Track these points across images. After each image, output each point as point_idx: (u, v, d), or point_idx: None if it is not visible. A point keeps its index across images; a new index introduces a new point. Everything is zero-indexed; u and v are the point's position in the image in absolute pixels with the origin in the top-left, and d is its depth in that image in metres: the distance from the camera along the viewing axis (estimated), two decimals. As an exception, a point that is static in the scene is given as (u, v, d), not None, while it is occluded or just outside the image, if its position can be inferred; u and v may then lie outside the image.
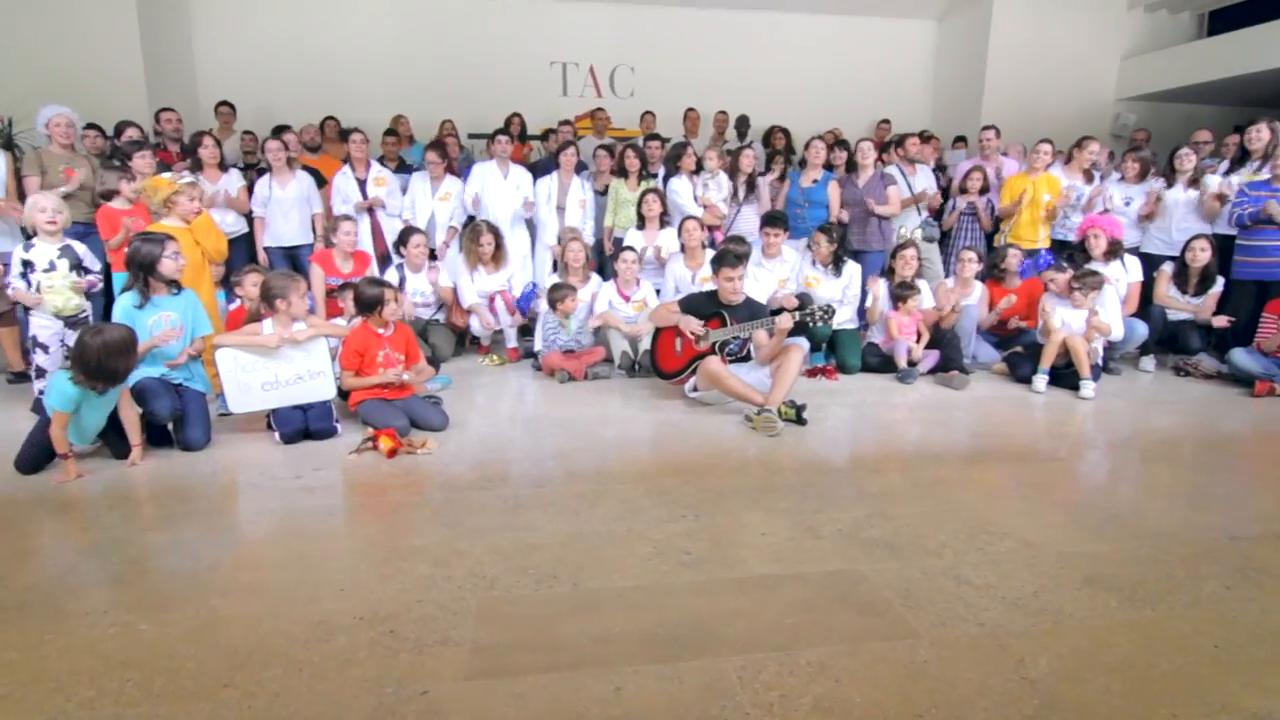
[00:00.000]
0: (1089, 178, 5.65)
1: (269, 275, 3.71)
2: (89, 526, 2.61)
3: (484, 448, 3.46)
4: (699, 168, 5.73)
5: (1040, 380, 4.48)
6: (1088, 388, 4.32)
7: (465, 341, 5.52)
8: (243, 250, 5.29)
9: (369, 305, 3.64)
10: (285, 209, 5.32)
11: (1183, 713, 1.66)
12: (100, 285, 4.12)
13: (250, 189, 5.31)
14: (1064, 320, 4.46)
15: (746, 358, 4.21)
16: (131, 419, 3.13)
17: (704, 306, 4.13)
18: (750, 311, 4.08)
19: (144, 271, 3.34)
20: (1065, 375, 4.49)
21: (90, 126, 5.42)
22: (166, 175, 3.87)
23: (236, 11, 7.73)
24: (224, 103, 6.47)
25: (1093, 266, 4.77)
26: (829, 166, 5.84)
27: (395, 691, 1.70)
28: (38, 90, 5.44)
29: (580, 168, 5.94)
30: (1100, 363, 4.62)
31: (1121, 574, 2.28)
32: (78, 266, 3.77)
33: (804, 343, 4.01)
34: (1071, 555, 2.41)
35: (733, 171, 5.79)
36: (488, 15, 8.19)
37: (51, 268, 3.67)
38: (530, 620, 2.01)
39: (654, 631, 1.95)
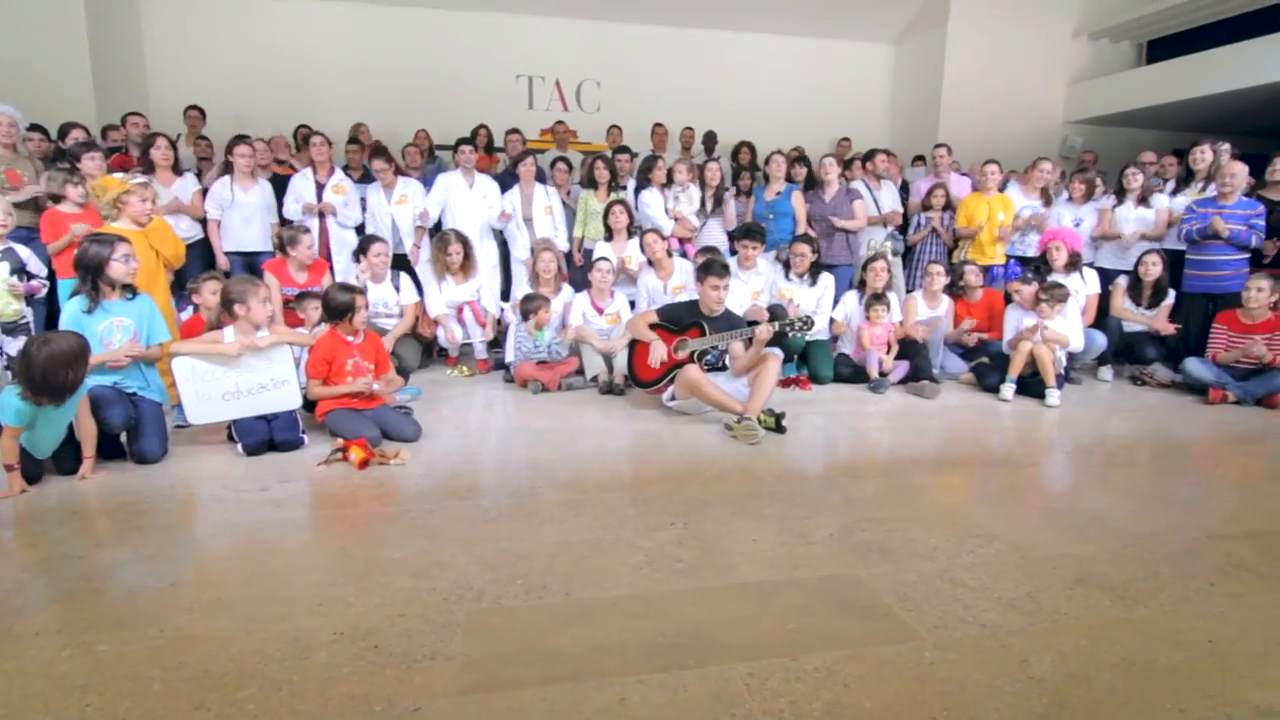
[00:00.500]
0: (1046, 198, 5.84)
1: (229, 280, 3.55)
2: (36, 543, 2.41)
3: (459, 458, 3.34)
4: (669, 180, 5.74)
5: (1008, 389, 4.57)
6: (1053, 396, 4.42)
7: (433, 353, 5.38)
8: (198, 256, 5.07)
9: (339, 312, 3.51)
10: (247, 214, 5.13)
11: (1189, 707, 1.66)
12: (44, 291, 3.89)
13: (204, 193, 5.10)
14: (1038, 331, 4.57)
15: (722, 369, 4.18)
16: (89, 430, 2.94)
17: (683, 316, 4.10)
18: (729, 323, 4.07)
19: (93, 275, 3.15)
20: (1030, 384, 4.59)
21: (34, 128, 5.15)
22: (118, 175, 3.69)
23: (190, 15, 7.50)
24: (193, 106, 6.24)
25: (1055, 278, 4.90)
26: (790, 180, 5.91)
27: (385, 710, 1.59)
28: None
29: (540, 177, 5.89)
30: (1062, 372, 4.74)
31: (1110, 573, 2.30)
32: (20, 270, 3.55)
33: (780, 352, 4.02)
34: (1060, 556, 2.42)
35: (700, 185, 5.82)
36: (455, 27, 8.13)
37: (-9, 270, 3.45)
38: (523, 632, 1.91)
39: (654, 640, 1.88)
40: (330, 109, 7.36)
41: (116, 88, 6.80)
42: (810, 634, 1.93)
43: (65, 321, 3.12)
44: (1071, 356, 4.90)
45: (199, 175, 5.48)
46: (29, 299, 3.63)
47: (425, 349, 5.27)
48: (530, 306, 4.72)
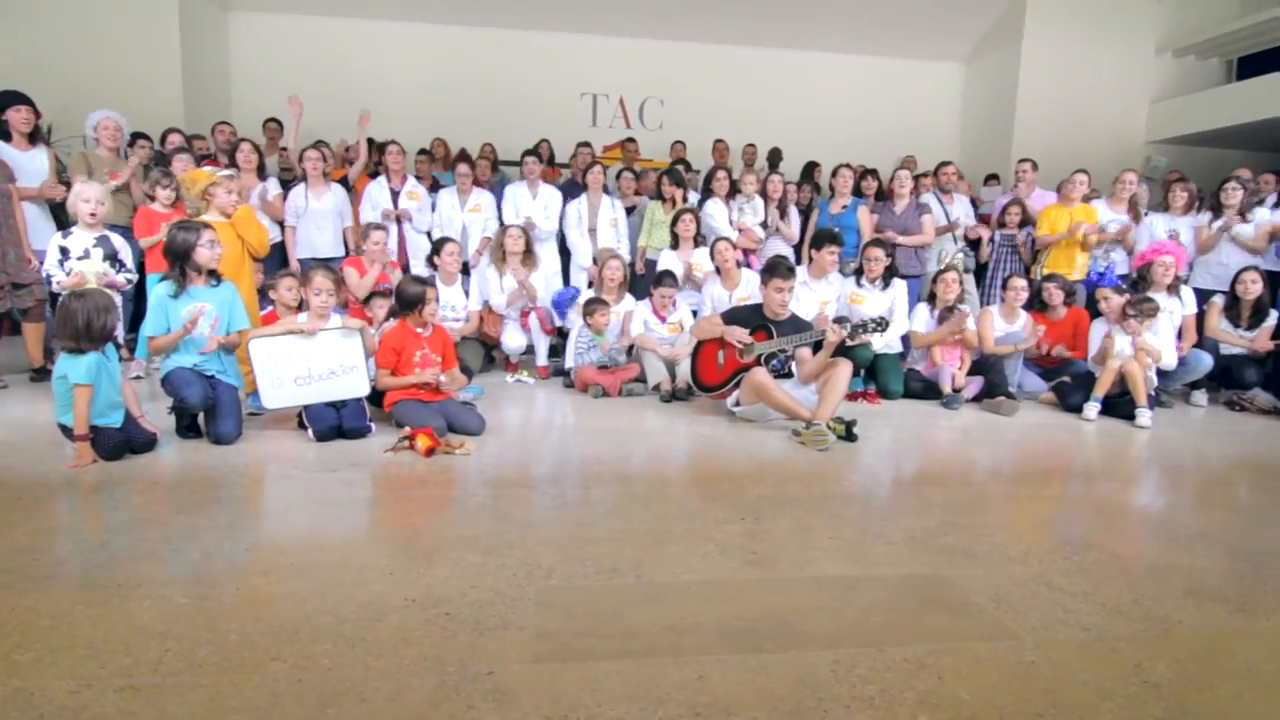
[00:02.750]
0: (1134, 212, 5.57)
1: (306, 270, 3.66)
2: (119, 508, 2.48)
3: (522, 452, 3.33)
4: (734, 192, 5.71)
5: (1091, 408, 4.32)
6: (1144, 416, 4.16)
7: (493, 358, 5.43)
8: (275, 261, 5.25)
9: (410, 303, 3.56)
10: (319, 220, 5.30)
11: (1335, 721, 1.49)
12: (130, 287, 4.05)
13: (285, 199, 5.30)
14: (1120, 348, 4.32)
15: (788, 375, 4.08)
16: (130, 393, 3.10)
17: (749, 319, 4.02)
18: (795, 326, 3.98)
19: (180, 260, 3.29)
20: (1117, 405, 4.34)
21: (140, 135, 5.48)
22: (206, 168, 3.86)
23: (274, 34, 7.93)
24: (273, 119, 6.54)
25: (1149, 295, 4.63)
26: (858, 194, 5.81)
27: (458, 671, 1.55)
28: (80, 101, 5.50)
29: (605, 190, 5.94)
30: (1152, 394, 4.46)
31: (1224, 586, 2.11)
32: (111, 258, 3.72)
33: (849, 361, 3.89)
34: (1166, 567, 2.24)
35: (763, 197, 5.78)
36: (523, 47, 8.36)
37: (85, 255, 3.62)
38: (594, 608, 1.85)
39: (731, 623, 1.80)
40: (401, 124, 7.59)
41: (204, 101, 7.21)
42: (897, 627, 1.81)
43: (152, 304, 3.25)
44: (1163, 377, 4.62)
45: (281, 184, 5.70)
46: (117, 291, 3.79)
47: (487, 354, 5.31)
48: (589, 309, 4.72)
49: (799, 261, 5.26)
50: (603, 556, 2.16)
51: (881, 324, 3.76)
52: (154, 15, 6.94)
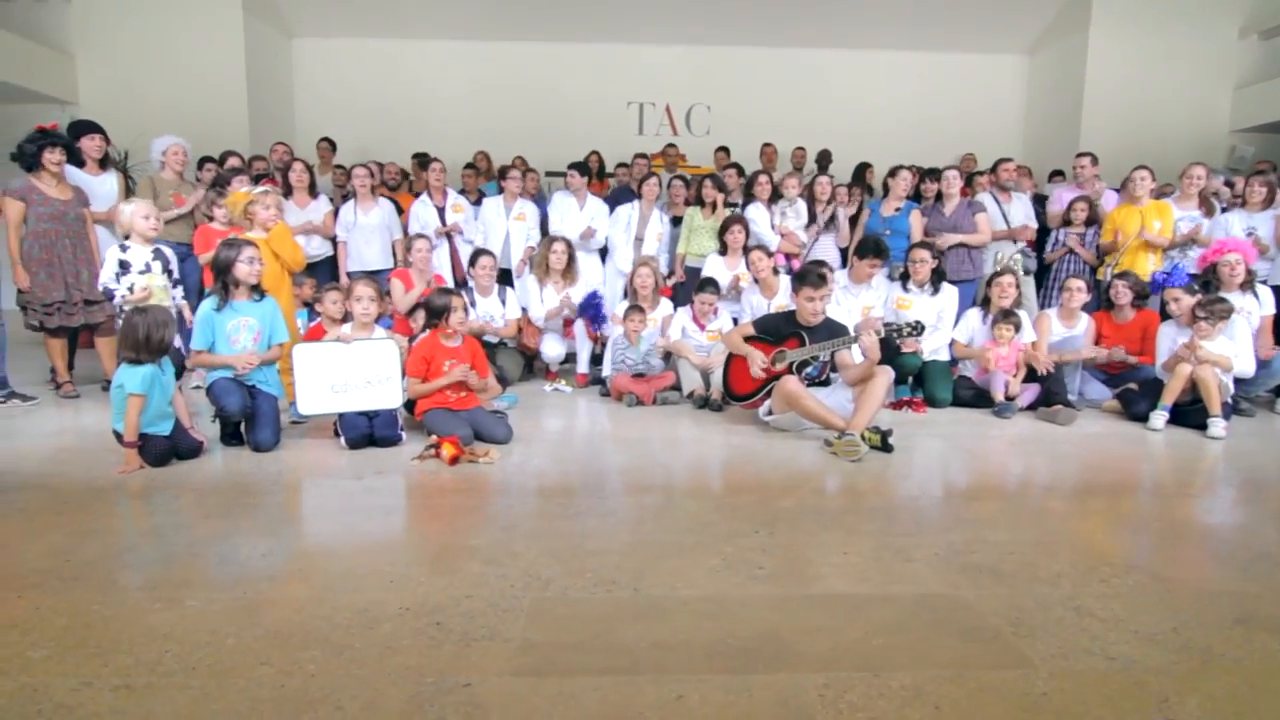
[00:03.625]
0: (1207, 207, 5.18)
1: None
2: (154, 512, 2.61)
3: (547, 460, 3.34)
4: (776, 196, 5.61)
5: (1159, 417, 4.02)
6: (1217, 426, 3.84)
7: (533, 367, 5.48)
8: (326, 274, 5.45)
9: (436, 313, 3.64)
10: (368, 235, 5.48)
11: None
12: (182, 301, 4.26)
13: (335, 214, 5.51)
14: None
15: (825, 383, 3.97)
16: (181, 403, 3.25)
17: (781, 327, 3.93)
18: (830, 333, 3.86)
19: (223, 276, 3.45)
20: (1188, 414, 4.03)
21: (208, 159, 5.80)
22: (244, 188, 4.05)
23: (333, 57, 8.32)
24: (324, 139, 6.83)
25: (1223, 295, 4.29)
26: (916, 197, 5.60)
27: (436, 682, 1.55)
28: (154, 127, 5.87)
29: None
30: (1229, 401, 4.12)
31: (1282, 615, 1.92)
32: (166, 270, 3.95)
33: (890, 370, 3.75)
34: (1215, 593, 2.05)
35: (809, 200, 5.65)
36: (568, 59, 8.48)
37: (147, 269, 3.85)
38: (585, 622, 1.83)
39: (723, 641, 1.74)
40: (449, 138, 7.85)
41: (269, 124, 7.62)
42: (899, 651, 1.72)
43: (198, 318, 3.42)
44: (1241, 384, 4.27)
45: (332, 201, 5.93)
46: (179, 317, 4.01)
47: (527, 363, 5.37)
48: (625, 316, 4.72)
49: (845, 264, 5.11)
50: (604, 568, 2.13)
51: (917, 328, 3.60)
52: (222, 45, 7.40)
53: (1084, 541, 2.45)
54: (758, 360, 3.87)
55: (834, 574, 2.14)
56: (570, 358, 5.28)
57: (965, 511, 2.73)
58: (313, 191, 5.44)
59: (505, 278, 5.52)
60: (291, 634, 1.74)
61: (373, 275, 5.46)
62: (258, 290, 3.56)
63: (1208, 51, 7.78)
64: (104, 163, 4.80)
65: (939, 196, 5.55)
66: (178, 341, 3.82)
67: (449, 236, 5.59)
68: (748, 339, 4.06)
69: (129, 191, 4.99)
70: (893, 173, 5.49)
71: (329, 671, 1.59)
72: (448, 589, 1.98)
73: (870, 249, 4.70)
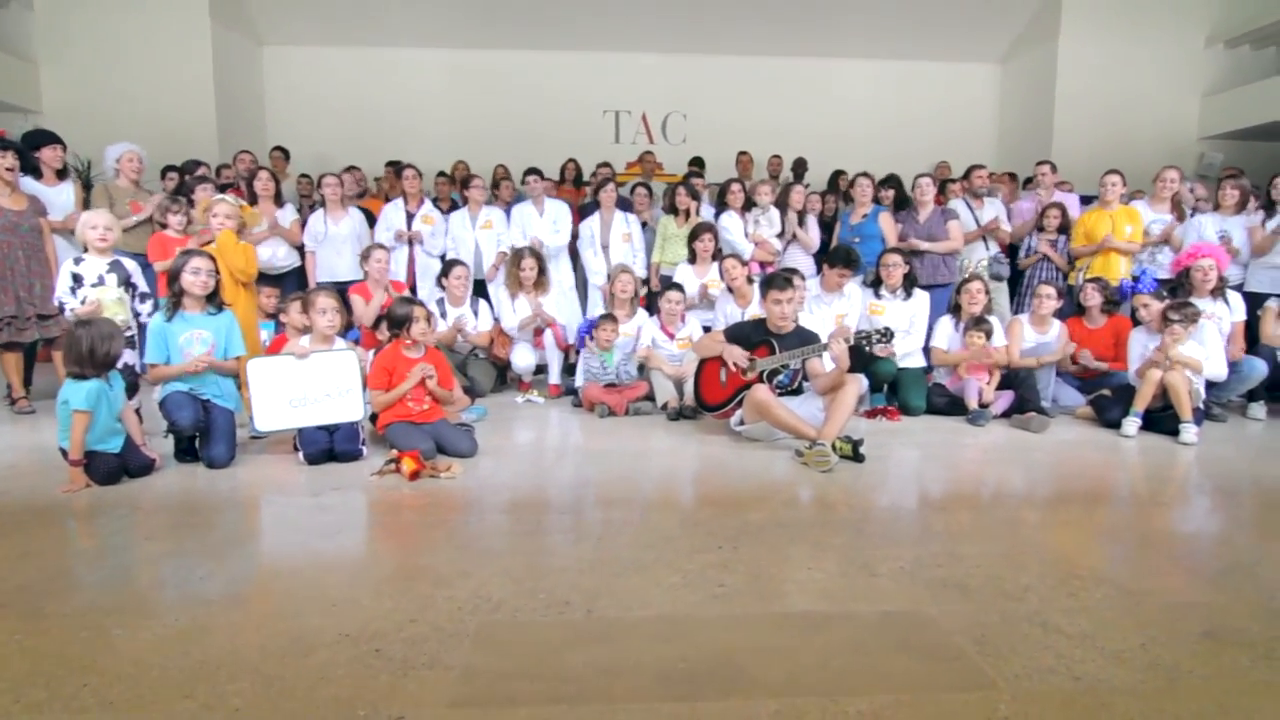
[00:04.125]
0: (1179, 212, 5.21)
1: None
2: (94, 534, 2.50)
3: (511, 475, 3.25)
4: (749, 204, 5.58)
5: (1131, 424, 4.01)
6: (1189, 432, 3.83)
7: (506, 378, 5.39)
8: (294, 285, 5.34)
9: (398, 323, 3.55)
10: (338, 245, 5.38)
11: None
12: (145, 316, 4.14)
13: (303, 224, 5.41)
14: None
15: (797, 392, 3.92)
16: (132, 420, 3.17)
17: (751, 334, 3.88)
18: (800, 340, 3.81)
19: (172, 284, 3.36)
20: (1160, 420, 4.02)
21: (171, 168, 5.68)
22: (208, 196, 3.97)
23: (305, 65, 8.24)
24: (277, 148, 6.75)
25: (1193, 300, 4.29)
26: (878, 203, 5.61)
27: (368, 715, 1.47)
28: (118, 136, 5.74)
29: (623, 205, 5.87)
30: (1201, 407, 4.12)
31: (1251, 628, 1.87)
32: (126, 283, 3.82)
33: (863, 377, 3.71)
34: (1184, 606, 2.01)
35: (783, 208, 5.63)
36: (544, 68, 8.45)
37: (100, 282, 3.72)
38: (533, 647, 1.75)
39: (675, 666, 1.67)
40: (425, 147, 7.75)
41: (238, 133, 7.50)
42: (858, 673, 1.65)
43: (149, 330, 3.32)
44: (1213, 388, 4.27)
45: (300, 210, 5.82)
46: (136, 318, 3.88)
47: (500, 375, 5.28)
48: (597, 327, 4.65)
49: (818, 272, 5.08)
50: (559, 588, 2.05)
51: (887, 334, 3.57)
52: (190, 53, 7.29)
53: (1053, 553, 2.40)
54: (737, 353, 3.80)
55: (796, 591, 2.08)
56: (543, 369, 5.21)
57: (935, 523, 2.68)
58: (278, 200, 5.34)
59: (482, 290, 5.44)
60: (221, 664, 1.65)
61: (343, 287, 5.39)
62: (214, 302, 3.46)
63: (1176, 60, 7.89)
64: (61, 173, 4.68)
65: (900, 203, 5.55)
66: (131, 357, 3.71)
67: (410, 244, 5.49)
68: (718, 348, 4.01)
69: (87, 201, 4.86)
70: (852, 182, 5.52)
71: (255, 705, 1.50)
72: (392, 613, 1.89)
73: (840, 258, 4.69)
